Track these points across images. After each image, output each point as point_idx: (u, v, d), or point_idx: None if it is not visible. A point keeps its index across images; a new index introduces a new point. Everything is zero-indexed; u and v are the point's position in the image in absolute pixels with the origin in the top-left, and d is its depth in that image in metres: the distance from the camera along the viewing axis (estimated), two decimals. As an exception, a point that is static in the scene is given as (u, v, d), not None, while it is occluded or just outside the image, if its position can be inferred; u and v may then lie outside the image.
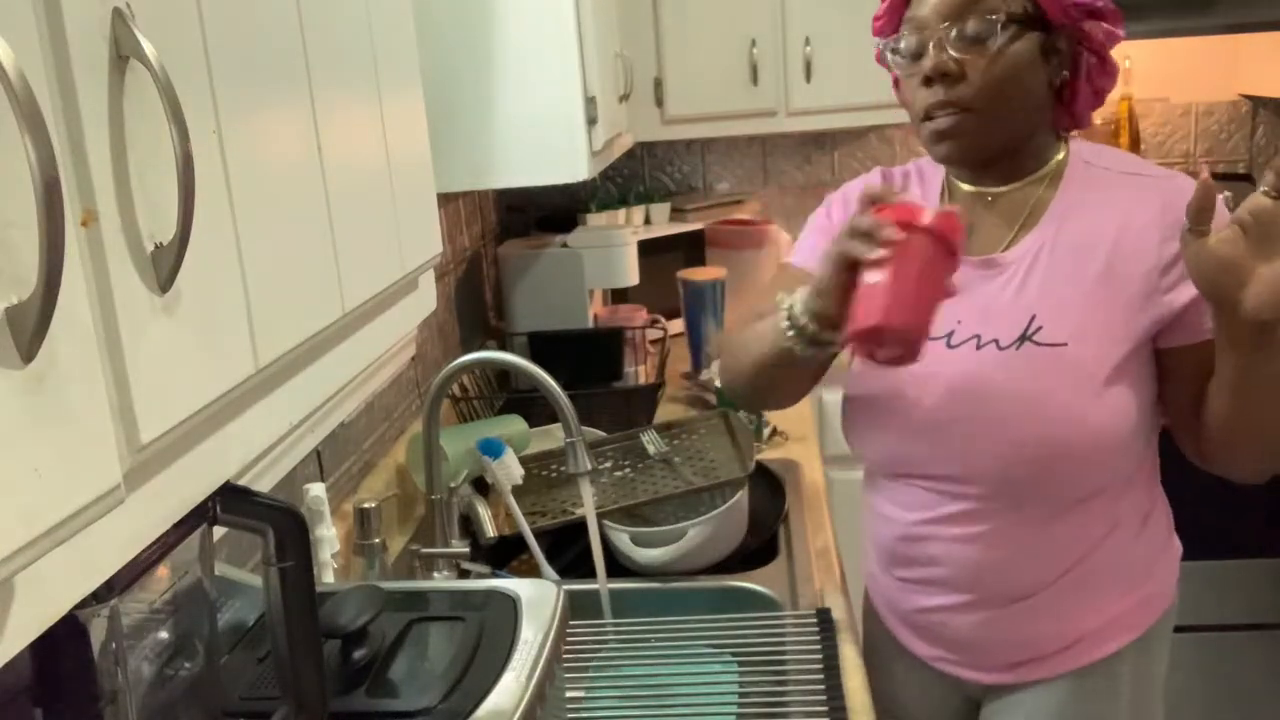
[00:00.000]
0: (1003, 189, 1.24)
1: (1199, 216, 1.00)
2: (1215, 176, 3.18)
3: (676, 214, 2.84)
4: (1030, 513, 1.20)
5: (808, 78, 2.62)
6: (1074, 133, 1.27)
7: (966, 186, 1.26)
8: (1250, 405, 1.08)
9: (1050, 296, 1.17)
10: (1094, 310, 1.16)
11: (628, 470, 1.81)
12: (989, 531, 1.21)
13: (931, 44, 1.16)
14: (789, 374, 1.22)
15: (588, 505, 1.39)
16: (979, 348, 1.19)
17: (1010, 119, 1.18)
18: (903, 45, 1.19)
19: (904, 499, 1.28)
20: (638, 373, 2.40)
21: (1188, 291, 1.11)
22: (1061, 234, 1.19)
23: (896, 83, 1.26)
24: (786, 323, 1.11)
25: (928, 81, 1.16)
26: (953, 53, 1.14)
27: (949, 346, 1.21)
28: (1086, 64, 1.19)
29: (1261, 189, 0.96)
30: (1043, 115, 1.21)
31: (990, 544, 1.22)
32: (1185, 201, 1.02)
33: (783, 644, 1.35)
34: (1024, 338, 1.17)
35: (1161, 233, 1.14)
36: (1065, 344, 1.15)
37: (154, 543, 0.52)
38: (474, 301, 2.46)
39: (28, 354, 0.38)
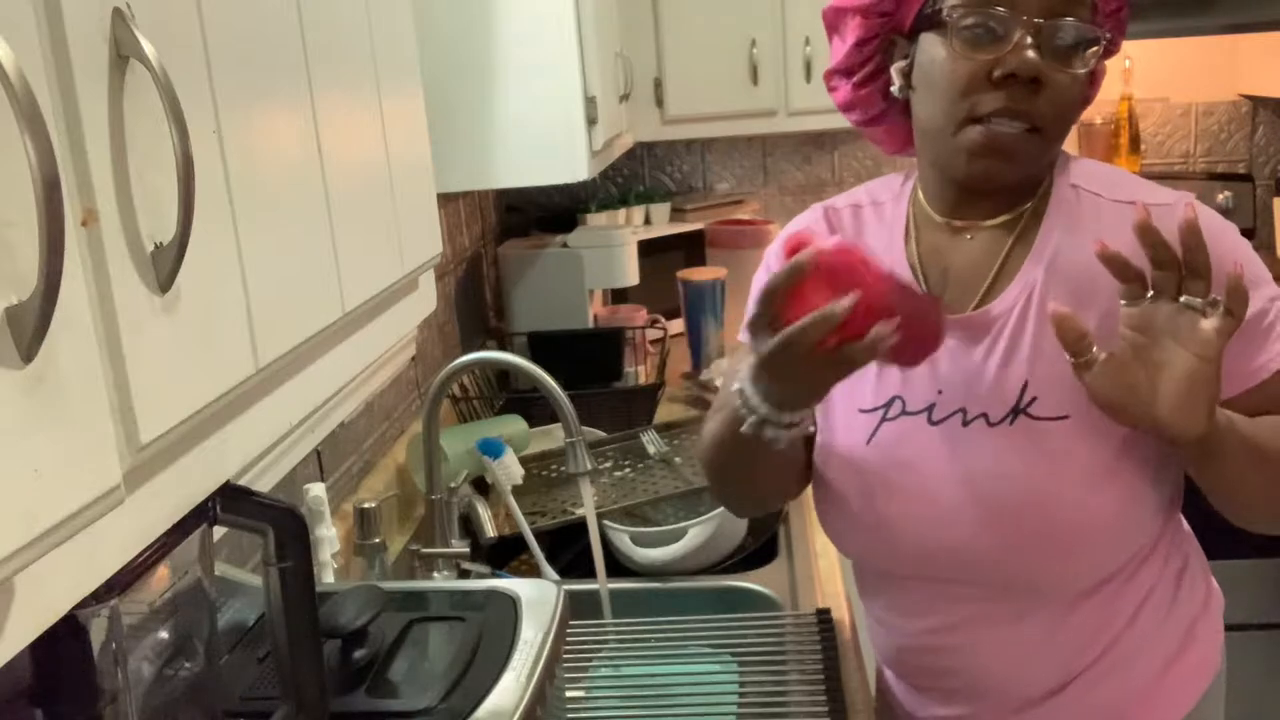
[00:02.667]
0: (985, 223, 1.05)
1: (1076, 349, 0.89)
2: (1215, 177, 3.16)
3: (676, 214, 2.84)
4: (1046, 607, 1.04)
5: (808, 78, 2.62)
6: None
7: (939, 219, 1.07)
8: (1234, 491, 0.97)
9: (1044, 360, 0.99)
10: None
11: (628, 470, 1.81)
12: (998, 634, 1.06)
13: (1027, 35, 0.93)
14: (775, 466, 1.06)
15: (588, 505, 1.39)
16: (965, 424, 1.01)
17: (1055, 150, 1.02)
18: (971, 20, 0.95)
19: (898, 602, 1.12)
20: (638, 373, 2.41)
21: None
22: (1051, 280, 1.00)
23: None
24: (750, 415, 0.93)
25: (1001, 80, 0.94)
26: (1047, 56, 0.94)
27: (930, 423, 1.03)
28: None
29: (1121, 302, 0.88)
30: None
31: (1002, 647, 1.06)
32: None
33: (783, 644, 1.35)
34: (1017, 411, 0.99)
35: None
36: (1066, 417, 0.98)
37: (154, 543, 0.52)
38: (474, 301, 2.46)
39: (28, 354, 0.38)
